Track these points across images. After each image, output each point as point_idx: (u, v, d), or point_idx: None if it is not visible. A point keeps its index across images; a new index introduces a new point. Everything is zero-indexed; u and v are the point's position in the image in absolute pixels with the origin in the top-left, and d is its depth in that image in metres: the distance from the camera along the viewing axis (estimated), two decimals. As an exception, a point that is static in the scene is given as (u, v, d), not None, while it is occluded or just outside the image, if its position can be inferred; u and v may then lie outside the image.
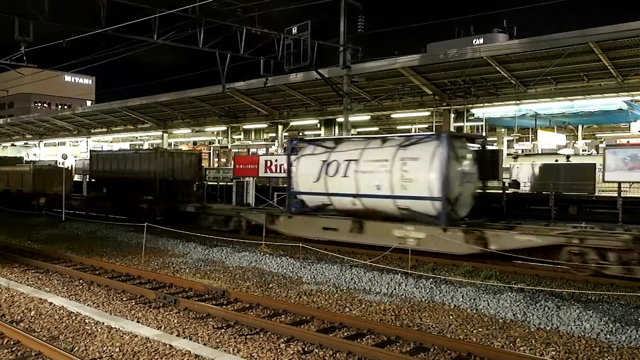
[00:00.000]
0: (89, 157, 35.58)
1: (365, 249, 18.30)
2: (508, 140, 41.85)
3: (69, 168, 40.36)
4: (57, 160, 43.15)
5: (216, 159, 49.61)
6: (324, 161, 19.92)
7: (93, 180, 33.81)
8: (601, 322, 10.30)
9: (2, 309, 11.69)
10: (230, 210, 24.16)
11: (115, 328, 10.24)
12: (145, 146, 57.83)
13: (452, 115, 32.11)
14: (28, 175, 35.78)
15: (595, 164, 22.86)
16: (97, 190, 32.88)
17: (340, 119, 34.05)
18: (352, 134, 30.03)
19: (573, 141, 39.20)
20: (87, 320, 10.77)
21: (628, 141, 30.71)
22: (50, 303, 12.09)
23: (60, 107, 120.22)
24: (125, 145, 59.52)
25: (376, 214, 18.84)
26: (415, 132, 39.32)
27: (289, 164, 21.48)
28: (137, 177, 29.14)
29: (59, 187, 31.60)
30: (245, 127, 46.58)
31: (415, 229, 17.39)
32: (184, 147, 51.14)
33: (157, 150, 30.52)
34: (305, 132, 47.72)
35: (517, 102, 29.79)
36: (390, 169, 17.91)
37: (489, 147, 21.81)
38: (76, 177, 41.60)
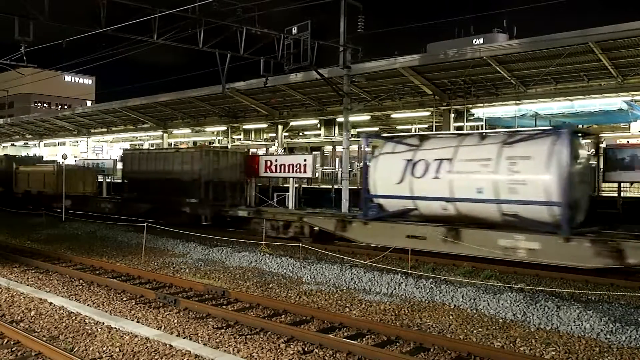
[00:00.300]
0: (121, 156, 33.83)
1: (369, 250, 18.30)
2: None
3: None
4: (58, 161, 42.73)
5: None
6: (409, 160, 17.96)
7: (125, 181, 31.53)
8: (601, 322, 10.31)
9: (2, 309, 11.69)
10: (290, 214, 22.57)
11: (115, 328, 10.24)
12: (146, 146, 57.80)
13: (452, 116, 32.09)
14: (51, 175, 33.97)
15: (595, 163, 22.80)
16: (130, 192, 30.69)
17: (340, 119, 34.04)
18: (351, 134, 30.00)
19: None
20: (87, 320, 10.78)
21: (628, 141, 30.67)
22: (50, 303, 12.10)
23: (60, 107, 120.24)
24: (125, 145, 59.48)
25: (470, 220, 17.06)
26: (416, 131, 39.28)
27: (365, 164, 19.94)
28: (179, 178, 26.90)
29: (87, 187, 30.87)
30: (245, 127, 46.56)
31: (527, 239, 15.35)
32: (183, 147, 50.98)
33: (202, 149, 28.48)
34: (306, 132, 47.73)
35: (517, 102, 29.75)
36: (495, 170, 16.01)
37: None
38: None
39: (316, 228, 21.08)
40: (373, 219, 19.15)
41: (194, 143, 55.91)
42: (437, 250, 16.94)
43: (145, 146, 57.20)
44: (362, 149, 20.13)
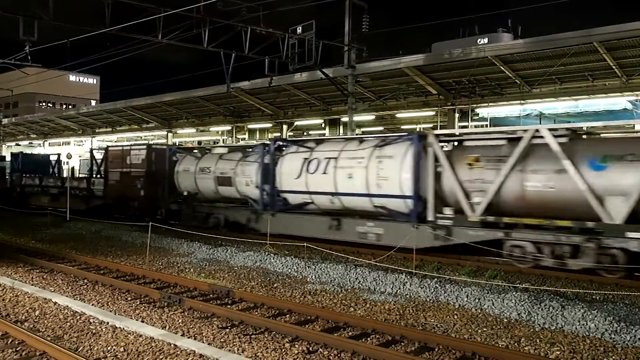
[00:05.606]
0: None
1: (373, 249, 18.33)
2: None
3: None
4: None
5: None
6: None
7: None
8: (606, 321, 10.28)
9: (7, 309, 11.71)
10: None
11: (119, 328, 10.25)
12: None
13: (457, 115, 32.09)
14: None
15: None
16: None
17: (345, 119, 34.05)
18: (356, 134, 29.98)
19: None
20: (91, 320, 10.79)
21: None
22: (55, 303, 12.11)
23: (64, 106, 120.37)
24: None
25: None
26: (420, 131, 39.22)
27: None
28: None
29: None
30: (249, 126, 46.59)
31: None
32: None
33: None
34: (310, 132, 47.73)
35: (522, 101, 29.76)
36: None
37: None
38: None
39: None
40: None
41: (199, 143, 55.99)
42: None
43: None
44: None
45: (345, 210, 19.68)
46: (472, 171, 16.41)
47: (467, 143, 17.18)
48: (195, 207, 25.25)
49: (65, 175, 37.98)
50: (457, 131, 17.76)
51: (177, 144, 52.59)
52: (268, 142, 22.98)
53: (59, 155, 43.75)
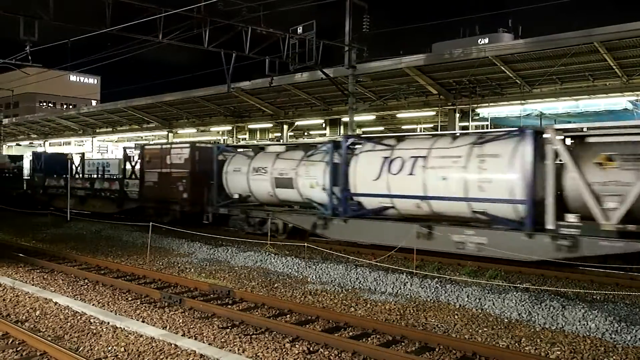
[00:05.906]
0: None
1: (374, 249, 18.30)
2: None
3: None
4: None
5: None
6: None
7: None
8: (606, 321, 10.28)
9: (7, 309, 11.72)
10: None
11: (120, 328, 10.25)
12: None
13: (457, 115, 32.08)
14: None
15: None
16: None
17: (345, 119, 34.05)
18: (357, 134, 29.98)
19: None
20: (92, 320, 10.79)
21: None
22: (55, 303, 12.11)
23: (65, 106, 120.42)
24: (130, 144, 59.46)
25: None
26: (420, 132, 39.26)
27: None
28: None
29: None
30: (250, 126, 46.59)
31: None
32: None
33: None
34: (311, 132, 47.72)
35: (522, 101, 29.75)
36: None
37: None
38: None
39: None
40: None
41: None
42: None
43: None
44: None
45: (434, 216, 17.52)
46: (604, 172, 14.11)
47: (591, 139, 14.83)
48: (249, 211, 23.00)
49: (85, 175, 37.93)
50: (582, 126, 15.49)
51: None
52: (339, 138, 20.80)
53: (82, 154, 42.25)
